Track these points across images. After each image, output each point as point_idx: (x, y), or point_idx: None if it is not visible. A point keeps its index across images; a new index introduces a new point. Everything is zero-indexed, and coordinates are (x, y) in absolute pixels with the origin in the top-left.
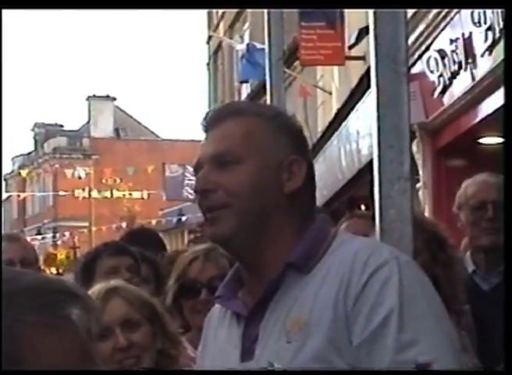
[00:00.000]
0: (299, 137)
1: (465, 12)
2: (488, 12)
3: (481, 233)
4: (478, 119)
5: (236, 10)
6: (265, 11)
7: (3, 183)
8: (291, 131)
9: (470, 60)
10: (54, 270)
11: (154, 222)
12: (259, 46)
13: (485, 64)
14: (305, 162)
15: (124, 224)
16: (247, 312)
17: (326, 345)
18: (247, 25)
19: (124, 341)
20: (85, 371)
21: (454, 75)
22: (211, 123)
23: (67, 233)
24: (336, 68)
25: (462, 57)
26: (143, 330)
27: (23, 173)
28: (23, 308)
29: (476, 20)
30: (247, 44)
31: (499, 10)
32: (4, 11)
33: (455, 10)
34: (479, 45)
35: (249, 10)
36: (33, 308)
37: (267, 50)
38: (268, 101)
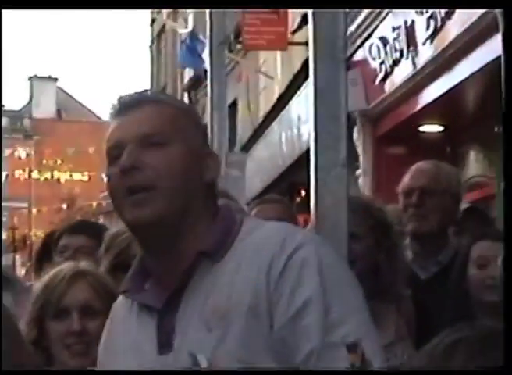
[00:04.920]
0: (206, 135)
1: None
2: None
3: (408, 219)
4: (418, 107)
5: None
6: None
7: None
8: (202, 127)
9: (411, 48)
10: None
11: (94, 204)
12: (201, 38)
13: (426, 52)
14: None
15: (64, 206)
16: (161, 303)
17: (248, 332)
18: None
19: (78, 326)
20: (85, 371)
21: (396, 62)
22: (128, 106)
23: (6, 214)
24: (278, 53)
25: (404, 45)
26: (101, 320)
27: None
28: None
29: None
30: (191, 32)
31: None
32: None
33: None
34: (421, 33)
35: None
36: None
37: (208, 33)
38: (209, 86)
